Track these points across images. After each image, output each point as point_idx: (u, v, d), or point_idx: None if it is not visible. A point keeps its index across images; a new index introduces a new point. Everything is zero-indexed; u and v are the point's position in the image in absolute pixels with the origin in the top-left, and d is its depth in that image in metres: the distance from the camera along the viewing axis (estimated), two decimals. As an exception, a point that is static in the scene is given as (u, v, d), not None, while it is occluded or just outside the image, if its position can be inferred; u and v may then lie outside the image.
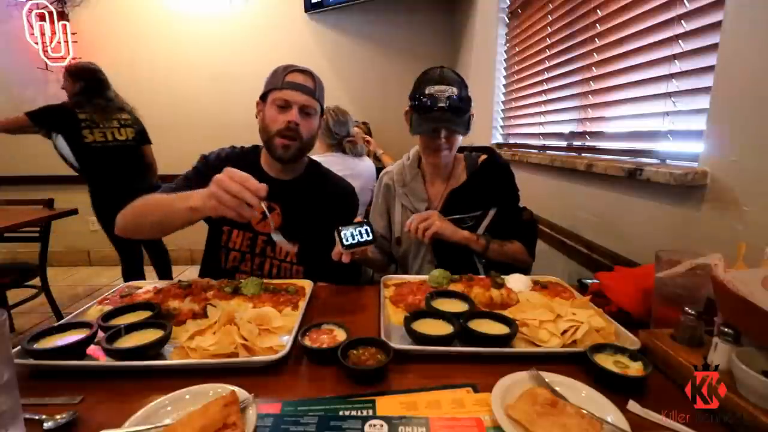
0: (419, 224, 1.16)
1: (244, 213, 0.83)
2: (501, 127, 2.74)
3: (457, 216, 1.26)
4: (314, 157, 1.39)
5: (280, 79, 1.15)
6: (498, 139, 2.77)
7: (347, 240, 0.98)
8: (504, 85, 2.65)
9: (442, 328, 0.79)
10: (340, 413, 0.58)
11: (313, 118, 1.20)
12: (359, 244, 0.98)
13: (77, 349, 0.70)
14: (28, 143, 3.70)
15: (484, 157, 1.36)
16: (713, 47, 1.00)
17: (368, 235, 1.00)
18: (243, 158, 1.27)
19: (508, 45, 2.57)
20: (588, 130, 1.67)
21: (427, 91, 1.17)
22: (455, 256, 1.23)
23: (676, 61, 1.16)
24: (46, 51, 3.48)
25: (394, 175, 1.38)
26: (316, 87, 1.20)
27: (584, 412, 0.56)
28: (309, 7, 3.54)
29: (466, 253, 1.24)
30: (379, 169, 2.92)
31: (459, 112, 1.18)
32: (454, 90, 1.16)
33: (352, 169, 2.25)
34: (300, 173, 1.28)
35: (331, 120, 2.27)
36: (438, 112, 1.16)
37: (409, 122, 1.30)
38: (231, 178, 0.83)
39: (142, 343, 0.70)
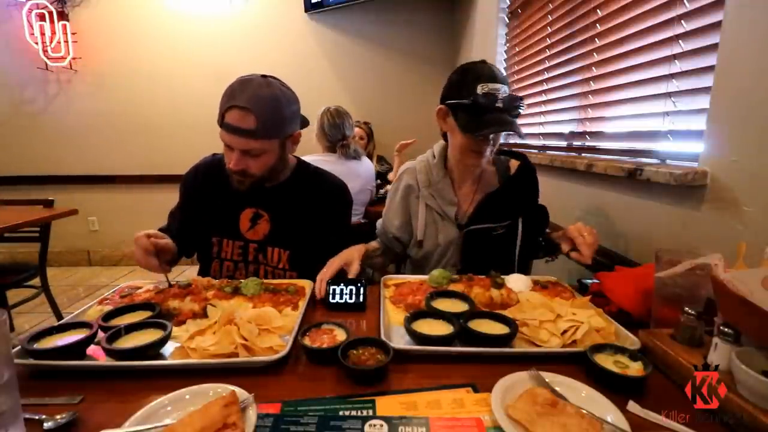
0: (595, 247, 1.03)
1: (149, 264, 1.02)
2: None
3: (488, 225, 1.20)
4: (311, 158, 1.38)
5: (221, 116, 1.06)
6: (498, 139, 2.77)
7: (333, 298, 0.94)
8: (504, 85, 2.65)
9: (442, 328, 0.79)
10: (340, 413, 0.58)
11: (263, 155, 1.09)
12: (345, 306, 0.95)
13: (77, 349, 0.70)
14: (28, 143, 3.72)
15: (516, 162, 1.30)
16: (713, 47, 1.00)
17: (358, 298, 0.94)
18: (225, 167, 1.19)
19: (508, 45, 2.57)
20: (588, 130, 1.67)
21: (480, 90, 1.07)
22: (484, 260, 1.15)
23: (676, 61, 1.16)
24: (46, 51, 3.48)
25: (417, 174, 1.29)
26: (258, 125, 1.03)
27: (584, 412, 0.56)
28: (309, 7, 3.54)
29: (496, 258, 1.18)
30: (380, 173, 2.92)
31: (514, 112, 1.10)
32: (506, 89, 1.09)
33: (350, 170, 2.25)
34: (286, 177, 1.24)
35: (326, 123, 2.27)
36: (496, 112, 1.06)
37: (443, 120, 1.20)
38: (137, 244, 1.01)
39: (142, 343, 0.70)
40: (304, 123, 1.22)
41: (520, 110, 1.11)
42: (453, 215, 1.24)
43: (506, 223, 1.22)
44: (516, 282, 1.02)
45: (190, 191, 1.26)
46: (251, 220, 1.20)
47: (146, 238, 1.00)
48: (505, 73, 1.16)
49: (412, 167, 1.32)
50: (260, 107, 1.03)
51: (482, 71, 1.11)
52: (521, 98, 1.11)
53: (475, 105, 1.07)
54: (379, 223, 1.40)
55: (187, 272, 3.70)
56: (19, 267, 2.37)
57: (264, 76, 1.09)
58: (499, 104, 1.06)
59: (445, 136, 1.26)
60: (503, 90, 1.08)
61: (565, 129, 1.86)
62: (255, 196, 1.19)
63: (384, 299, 0.96)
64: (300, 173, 1.27)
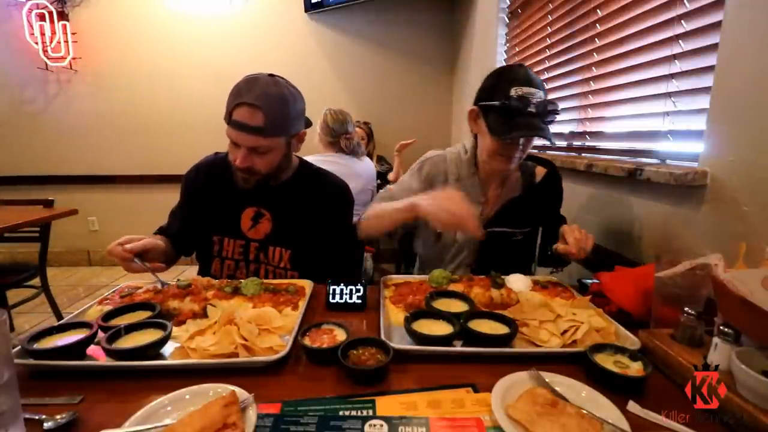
0: (584, 244, 1.03)
1: (133, 269, 1.03)
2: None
3: (508, 229, 1.18)
4: (312, 158, 1.38)
5: (229, 113, 1.05)
6: (498, 139, 2.77)
7: (333, 298, 0.95)
8: (504, 85, 2.65)
9: (442, 328, 0.79)
10: (340, 413, 0.58)
11: (270, 153, 1.09)
12: (345, 306, 0.95)
13: (77, 349, 0.70)
14: (28, 143, 3.72)
15: (542, 170, 1.28)
16: (713, 47, 1.00)
17: (358, 299, 0.94)
18: (228, 165, 1.17)
19: (508, 45, 2.57)
20: (588, 130, 1.67)
21: (513, 93, 1.03)
22: (500, 265, 1.10)
23: (676, 61, 1.16)
24: (46, 51, 3.48)
25: (448, 164, 1.24)
26: (267, 122, 1.03)
27: (584, 412, 0.56)
28: (309, 7, 3.54)
29: (511, 263, 1.15)
30: (380, 173, 2.92)
31: (547, 118, 1.06)
32: (541, 94, 1.05)
33: (351, 169, 2.25)
34: (289, 177, 1.23)
35: (330, 118, 2.28)
36: (528, 116, 1.03)
37: (474, 122, 1.17)
38: (112, 255, 1.02)
39: (142, 343, 0.70)
40: (307, 123, 1.22)
41: (554, 117, 1.08)
42: (476, 213, 1.20)
43: (526, 230, 1.22)
44: (516, 282, 1.02)
45: (191, 190, 1.26)
46: (253, 219, 1.20)
47: (118, 247, 1.00)
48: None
49: (441, 156, 1.26)
50: (269, 105, 1.03)
51: (518, 74, 1.08)
52: (557, 105, 1.07)
53: (506, 107, 1.04)
54: (385, 196, 1.27)
55: (187, 272, 3.70)
56: (19, 267, 2.36)
57: (271, 75, 1.09)
58: (532, 109, 1.02)
59: (476, 138, 1.23)
60: (538, 95, 1.04)
61: (565, 129, 1.86)
62: (257, 195, 1.19)
63: (384, 299, 0.96)
64: (302, 173, 1.26)
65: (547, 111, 1.05)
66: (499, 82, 1.09)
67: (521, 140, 1.08)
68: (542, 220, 1.24)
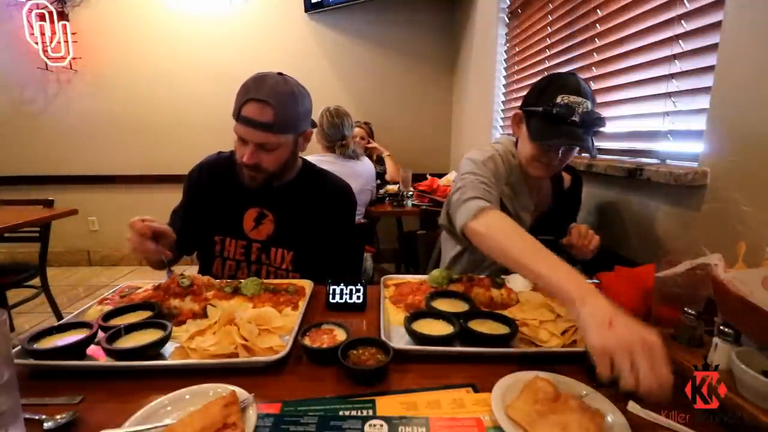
0: (586, 240, 1.10)
1: (145, 248, 1.00)
2: (501, 127, 2.74)
3: (545, 237, 1.19)
4: (311, 158, 1.38)
5: (238, 109, 1.05)
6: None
7: (333, 298, 0.94)
8: (504, 85, 2.65)
9: (442, 328, 0.79)
10: (340, 413, 0.58)
11: (277, 150, 1.09)
12: (345, 306, 0.94)
13: (77, 349, 0.70)
14: (28, 143, 3.72)
15: (568, 176, 1.32)
16: (713, 47, 1.00)
17: (358, 299, 0.94)
18: (231, 165, 1.18)
19: (508, 45, 2.58)
20: (588, 130, 1.67)
21: (560, 100, 1.02)
22: None
23: (676, 61, 1.16)
24: (46, 51, 3.48)
25: (501, 166, 1.17)
26: (276, 119, 1.03)
27: (586, 404, 0.56)
28: (309, 7, 3.54)
29: None
30: (379, 173, 2.93)
31: (591, 129, 1.04)
32: (588, 104, 1.03)
33: (351, 169, 2.25)
34: (292, 177, 1.23)
35: (326, 122, 2.27)
36: (571, 125, 1.01)
37: (517, 126, 1.16)
38: (132, 228, 1.00)
39: (142, 343, 0.70)
40: (313, 124, 1.22)
41: (599, 129, 1.07)
42: (528, 221, 1.20)
43: (555, 236, 1.24)
44: (516, 282, 1.02)
45: (193, 189, 1.26)
46: (255, 220, 1.19)
47: (141, 222, 0.99)
48: (591, 91, 1.10)
49: (502, 156, 1.18)
50: (278, 101, 1.03)
51: (567, 82, 1.06)
52: (602, 118, 1.05)
53: (550, 113, 1.02)
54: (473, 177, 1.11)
55: (187, 271, 3.69)
56: (19, 267, 2.36)
57: (280, 73, 1.10)
58: (576, 118, 1.01)
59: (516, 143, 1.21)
60: (585, 105, 1.02)
61: (565, 129, 1.86)
62: (260, 196, 1.18)
63: (384, 299, 0.96)
64: (306, 174, 1.26)
65: (592, 122, 1.03)
66: (548, 88, 1.07)
67: (561, 148, 1.07)
68: (567, 227, 1.26)
